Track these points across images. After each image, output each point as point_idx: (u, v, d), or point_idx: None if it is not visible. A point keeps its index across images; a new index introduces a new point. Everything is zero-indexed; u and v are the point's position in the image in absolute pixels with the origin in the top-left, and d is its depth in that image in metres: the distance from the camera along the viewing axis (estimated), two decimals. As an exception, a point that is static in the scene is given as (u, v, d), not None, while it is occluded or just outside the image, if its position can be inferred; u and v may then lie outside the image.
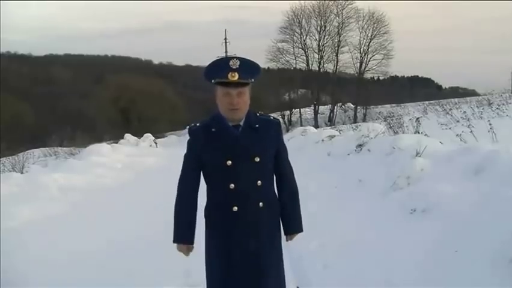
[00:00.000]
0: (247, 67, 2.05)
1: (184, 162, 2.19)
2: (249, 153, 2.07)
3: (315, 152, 9.19)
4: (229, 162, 2.04)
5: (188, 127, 2.23)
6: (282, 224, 2.25)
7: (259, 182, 2.10)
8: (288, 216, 2.24)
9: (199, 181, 2.19)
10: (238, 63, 2.02)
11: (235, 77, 2.00)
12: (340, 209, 4.99)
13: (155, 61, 72.73)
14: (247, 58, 2.08)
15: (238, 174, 2.06)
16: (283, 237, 2.27)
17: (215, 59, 2.12)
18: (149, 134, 21.13)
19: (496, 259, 2.68)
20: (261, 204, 2.11)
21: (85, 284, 3.49)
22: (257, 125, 2.13)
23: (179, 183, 2.19)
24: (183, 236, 2.16)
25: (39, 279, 3.59)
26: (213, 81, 2.06)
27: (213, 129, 2.10)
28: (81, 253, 4.21)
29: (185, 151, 2.20)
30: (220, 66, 2.04)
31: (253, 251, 2.08)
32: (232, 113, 2.07)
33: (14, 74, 47.71)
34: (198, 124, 2.18)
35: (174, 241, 2.18)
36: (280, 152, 2.22)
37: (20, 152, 20.99)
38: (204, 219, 2.21)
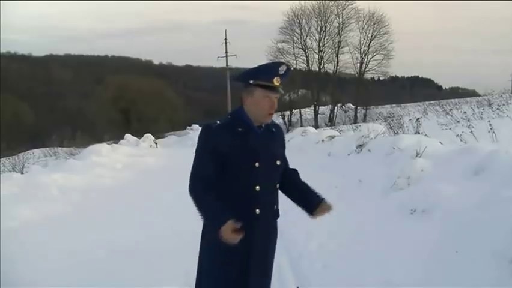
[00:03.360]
0: (288, 75, 2.08)
1: (201, 153, 2.04)
2: (272, 156, 2.10)
3: (315, 152, 9.19)
4: (257, 164, 2.02)
5: (206, 124, 2.09)
6: (307, 201, 2.18)
7: (277, 185, 2.14)
8: (307, 191, 2.22)
9: (216, 174, 2.02)
10: (285, 69, 2.05)
11: (278, 82, 2.03)
12: (340, 209, 4.96)
13: (156, 61, 73.02)
14: (289, 64, 2.12)
15: (264, 177, 2.05)
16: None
17: (265, 62, 2.12)
18: (150, 134, 21.10)
19: (496, 259, 2.68)
20: (275, 207, 2.16)
21: (85, 284, 3.48)
22: (274, 129, 2.16)
23: (196, 171, 2.02)
24: (226, 215, 1.90)
25: (39, 279, 3.59)
26: (251, 81, 2.03)
27: (239, 129, 2.03)
28: (81, 253, 4.20)
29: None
30: (271, 69, 2.04)
31: (266, 253, 2.12)
32: (268, 118, 2.08)
33: (14, 74, 47.77)
34: (217, 122, 2.06)
35: (219, 224, 1.88)
36: (285, 154, 2.27)
37: (20, 152, 21.06)
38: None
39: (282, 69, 2.03)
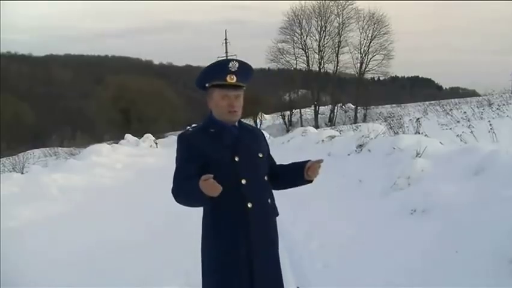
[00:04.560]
0: (245, 70, 2.04)
1: (181, 166, 2.01)
2: (253, 150, 2.09)
3: (316, 152, 9.18)
4: (236, 158, 2.00)
5: (180, 134, 2.11)
6: (297, 170, 2.14)
7: (265, 177, 2.11)
8: (291, 164, 2.22)
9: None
10: (237, 65, 2.00)
11: (233, 79, 2.00)
12: (340, 209, 4.99)
13: (156, 61, 73.07)
14: (244, 61, 2.06)
15: (248, 170, 2.02)
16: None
17: (211, 62, 2.08)
18: (150, 135, 21.14)
19: (496, 259, 2.68)
20: (269, 200, 2.11)
21: (85, 284, 3.49)
22: (250, 128, 2.21)
23: (176, 185, 1.99)
24: (196, 179, 1.81)
25: (39, 279, 3.59)
26: (207, 84, 2.04)
27: (212, 130, 2.05)
28: (81, 253, 4.21)
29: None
30: (219, 68, 2.02)
31: (272, 250, 2.07)
32: (231, 116, 2.05)
33: (14, 74, 47.86)
34: (190, 129, 2.12)
35: (197, 190, 1.79)
36: (270, 155, 2.26)
37: (20, 152, 21.08)
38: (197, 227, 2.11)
39: (233, 65, 1.99)
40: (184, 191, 1.93)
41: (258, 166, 2.08)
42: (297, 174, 2.14)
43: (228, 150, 2.01)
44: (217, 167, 1.96)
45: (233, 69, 2.00)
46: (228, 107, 2.02)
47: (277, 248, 2.15)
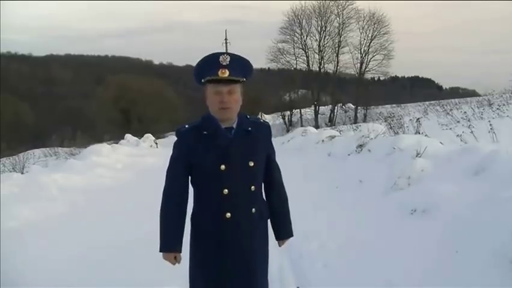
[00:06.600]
0: (238, 64, 1.97)
1: (171, 165, 2.06)
2: (243, 158, 1.99)
3: (316, 152, 9.18)
4: (222, 167, 1.94)
5: (176, 129, 2.09)
6: (274, 231, 2.20)
7: (252, 187, 2.02)
8: (280, 223, 2.21)
9: (188, 186, 2.07)
10: (229, 59, 1.94)
11: (225, 73, 1.92)
12: (340, 209, 4.99)
13: (156, 61, 73.00)
14: (239, 54, 2.00)
15: (232, 179, 1.96)
16: (273, 242, 2.22)
17: (204, 55, 2.02)
18: (150, 135, 21.09)
19: (496, 259, 2.68)
20: (253, 210, 2.04)
21: (85, 284, 3.48)
22: (250, 128, 2.04)
23: (166, 187, 2.05)
24: (171, 244, 2.00)
25: (39, 279, 3.59)
26: (202, 80, 1.98)
27: (205, 132, 1.98)
28: (81, 253, 4.20)
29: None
30: (210, 62, 1.96)
31: (248, 259, 2.01)
32: (223, 113, 1.97)
33: (14, 74, 47.86)
34: (186, 126, 2.06)
35: (161, 250, 2.01)
36: (271, 156, 2.16)
37: (20, 152, 21.07)
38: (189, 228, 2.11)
39: (224, 59, 1.93)
40: (163, 220, 2.03)
41: (244, 176, 2.00)
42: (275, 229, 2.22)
43: (215, 157, 1.95)
44: (201, 173, 2.00)
45: (224, 63, 1.93)
46: (219, 103, 1.94)
47: (262, 256, 2.11)
